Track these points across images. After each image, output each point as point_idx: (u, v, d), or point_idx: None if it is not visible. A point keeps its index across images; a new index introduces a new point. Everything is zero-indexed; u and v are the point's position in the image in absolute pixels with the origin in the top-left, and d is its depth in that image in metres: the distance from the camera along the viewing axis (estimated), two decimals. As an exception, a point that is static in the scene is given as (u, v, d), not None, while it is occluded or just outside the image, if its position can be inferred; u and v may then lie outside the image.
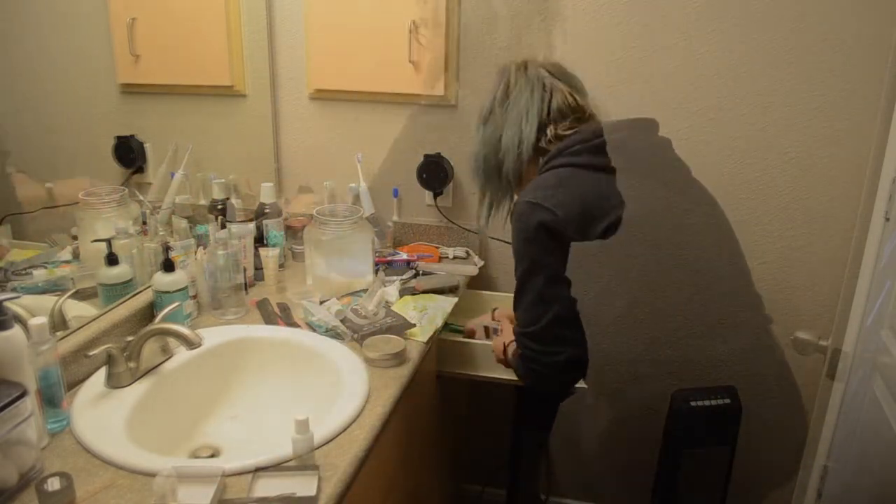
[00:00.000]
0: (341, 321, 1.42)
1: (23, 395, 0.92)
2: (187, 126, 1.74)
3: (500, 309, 1.61)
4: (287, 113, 1.93)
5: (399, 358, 1.31)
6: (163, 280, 1.35)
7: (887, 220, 1.24)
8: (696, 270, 1.19)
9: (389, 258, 1.78)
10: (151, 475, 0.92)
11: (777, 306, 1.27)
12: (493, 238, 1.90)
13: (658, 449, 1.11)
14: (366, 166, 1.88)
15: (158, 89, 1.68)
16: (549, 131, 1.28)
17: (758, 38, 1.60)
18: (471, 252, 1.90)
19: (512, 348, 1.34)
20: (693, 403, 1.06)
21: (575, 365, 1.20)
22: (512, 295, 1.30)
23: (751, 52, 1.61)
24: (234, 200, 1.75)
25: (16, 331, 0.96)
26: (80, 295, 1.31)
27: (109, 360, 1.16)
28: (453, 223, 1.90)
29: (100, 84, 1.51)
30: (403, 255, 1.81)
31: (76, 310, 1.28)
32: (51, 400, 1.04)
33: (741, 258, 1.28)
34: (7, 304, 0.95)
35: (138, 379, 1.19)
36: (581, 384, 1.39)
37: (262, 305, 1.53)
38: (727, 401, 1.07)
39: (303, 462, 0.99)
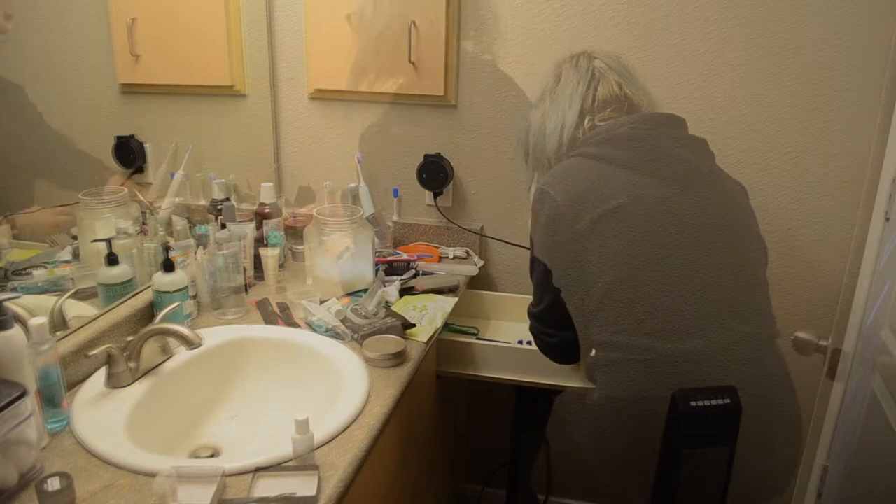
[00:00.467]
0: (341, 321, 1.43)
1: (23, 395, 0.92)
2: (187, 126, 1.74)
3: None
4: (287, 113, 1.93)
5: (399, 358, 1.31)
6: (163, 280, 1.35)
7: (887, 220, 1.24)
8: (697, 269, 1.19)
9: (389, 258, 1.78)
10: (151, 475, 0.93)
11: (777, 306, 1.27)
12: (493, 238, 1.90)
13: (658, 449, 1.11)
14: (366, 166, 1.88)
15: (158, 89, 1.68)
16: (588, 121, 1.34)
17: (758, 38, 1.60)
18: (471, 252, 1.90)
19: None
20: (693, 403, 1.06)
21: (567, 348, 1.31)
22: (512, 295, 1.35)
23: (751, 52, 1.62)
24: (234, 201, 1.75)
25: (16, 331, 0.96)
26: (80, 295, 1.30)
27: (109, 360, 1.16)
28: (453, 223, 1.90)
29: (100, 84, 1.50)
30: (403, 255, 1.81)
31: (76, 310, 1.28)
32: (51, 400, 1.04)
33: (741, 258, 1.28)
34: (7, 304, 0.95)
35: (138, 379, 1.19)
36: (581, 384, 1.39)
37: (262, 305, 1.53)
38: (727, 401, 1.07)
39: (303, 462, 0.99)
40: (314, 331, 1.42)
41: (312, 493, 0.94)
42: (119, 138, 1.52)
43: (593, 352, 1.21)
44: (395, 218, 1.94)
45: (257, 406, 1.30)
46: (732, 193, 1.30)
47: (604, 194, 1.20)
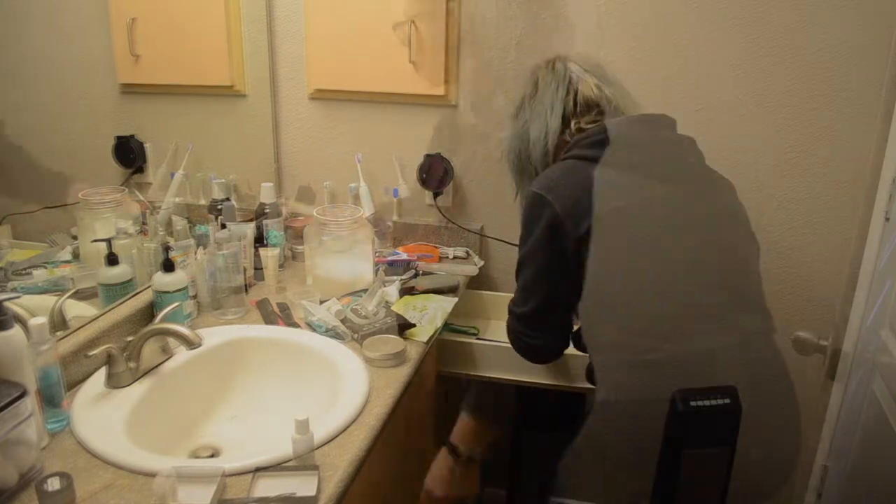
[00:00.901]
0: (341, 321, 1.43)
1: (23, 395, 0.92)
2: (187, 126, 1.74)
3: None
4: (287, 113, 1.93)
5: (399, 358, 1.31)
6: (163, 280, 1.35)
7: (887, 220, 1.24)
8: (698, 268, 1.19)
9: (389, 258, 1.78)
10: (151, 475, 0.93)
11: (777, 306, 1.27)
12: (493, 238, 1.90)
13: (658, 449, 1.11)
14: (366, 166, 1.88)
15: (158, 89, 1.68)
16: (573, 125, 1.33)
17: (758, 39, 1.60)
18: (471, 252, 1.90)
19: None
20: (693, 403, 1.06)
21: (548, 351, 1.34)
22: (512, 295, 1.35)
23: (751, 53, 1.61)
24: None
25: (16, 331, 0.96)
26: (80, 295, 1.31)
27: (109, 360, 1.16)
28: (453, 223, 1.90)
29: (100, 84, 1.51)
30: (403, 255, 1.81)
31: (76, 310, 1.28)
32: (51, 400, 1.04)
33: (738, 253, 1.28)
34: (7, 304, 0.95)
35: (138, 379, 1.19)
36: (582, 384, 1.39)
37: (262, 305, 1.53)
38: (727, 401, 1.07)
39: (303, 462, 0.99)
40: (314, 331, 1.42)
41: (312, 493, 0.94)
42: (119, 138, 1.52)
43: (594, 353, 1.21)
44: (395, 218, 1.94)
45: (257, 406, 1.30)
46: (724, 190, 1.31)
47: (602, 198, 1.19)
